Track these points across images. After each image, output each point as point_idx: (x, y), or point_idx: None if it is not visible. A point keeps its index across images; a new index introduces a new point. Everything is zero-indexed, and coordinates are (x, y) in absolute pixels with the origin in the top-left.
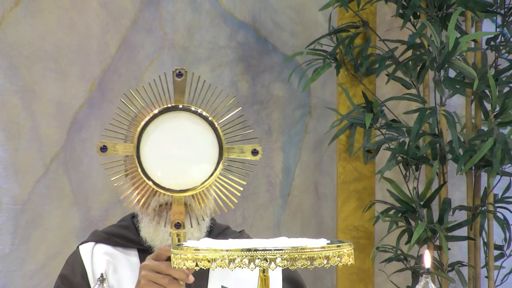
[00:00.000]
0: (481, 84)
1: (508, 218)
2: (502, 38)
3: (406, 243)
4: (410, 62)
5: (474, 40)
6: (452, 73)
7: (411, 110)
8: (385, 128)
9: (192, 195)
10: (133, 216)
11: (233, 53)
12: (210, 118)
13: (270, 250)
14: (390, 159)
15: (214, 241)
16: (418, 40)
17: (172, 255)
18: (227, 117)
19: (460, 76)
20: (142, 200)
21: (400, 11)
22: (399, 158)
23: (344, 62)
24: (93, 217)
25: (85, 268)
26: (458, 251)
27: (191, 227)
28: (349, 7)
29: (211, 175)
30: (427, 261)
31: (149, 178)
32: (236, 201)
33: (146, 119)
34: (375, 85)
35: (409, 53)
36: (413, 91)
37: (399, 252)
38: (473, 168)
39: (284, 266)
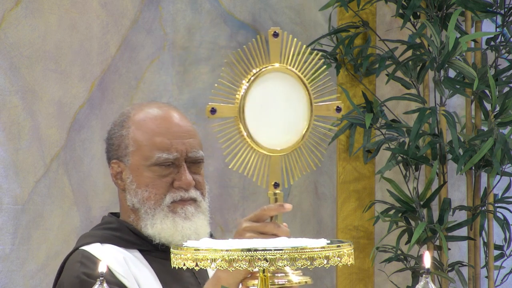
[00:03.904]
0: (481, 84)
1: (508, 218)
2: (502, 38)
3: (406, 243)
4: (410, 62)
5: (474, 40)
6: (452, 73)
7: (411, 110)
8: (385, 128)
9: (287, 154)
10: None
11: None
12: (302, 77)
13: (270, 250)
14: (390, 159)
15: (214, 241)
16: (418, 40)
17: (171, 255)
18: (314, 75)
19: (460, 76)
20: (244, 163)
21: (400, 11)
22: (399, 158)
23: (344, 62)
24: (94, 217)
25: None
26: (458, 251)
27: (286, 186)
28: (349, 7)
29: (305, 133)
30: (427, 262)
31: (251, 139)
32: (322, 158)
33: (247, 80)
34: (375, 85)
35: (409, 53)
36: (413, 91)
37: (399, 252)
38: (473, 168)
39: (284, 266)
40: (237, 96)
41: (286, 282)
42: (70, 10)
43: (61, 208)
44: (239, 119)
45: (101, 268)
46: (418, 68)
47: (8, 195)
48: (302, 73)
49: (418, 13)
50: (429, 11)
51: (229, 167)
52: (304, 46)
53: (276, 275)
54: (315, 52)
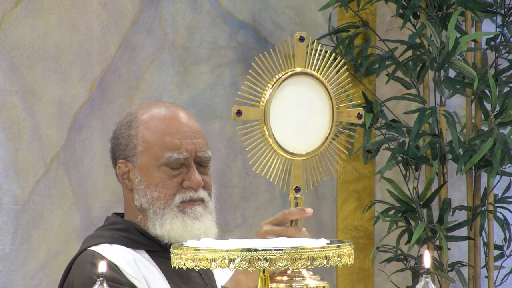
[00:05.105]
0: (481, 84)
1: (508, 218)
2: (502, 38)
3: (406, 243)
4: (410, 62)
5: (474, 40)
6: (452, 73)
7: (411, 110)
8: (385, 128)
9: (309, 159)
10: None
11: (233, 53)
12: (326, 83)
13: (270, 250)
14: (390, 159)
15: (214, 241)
16: (418, 40)
17: (171, 255)
18: (337, 80)
19: (460, 76)
20: (267, 166)
21: (400, 11)
22: (399, 158)
23: (344, 62)
24: (94, 217)
25: (116, 265)
26: (458, 251)
27: (306, 191)
28: (349, 7)
29: (327, 138)
30: (427, 261)
31: (274, 142)
32: (342, 165)
33: (272, 84)
34: (375, 85)
35: (409, 53)
36: (413, 91)
37: (399, 252)
38: (473, 168)
39: (284, 266)
40: (262, 99)
41: (304, 287)
42: (70, 10)
43: (61, 208)
44: (263, 122)
45: (101, 268)
46: (418, 68)
47: (8, 195)
48: (325, 79)
49: (418, 13)
50: (429, 11)
51: (252, 169)
52: (328, 52)
53: (294, 279)
54: (339, 58)
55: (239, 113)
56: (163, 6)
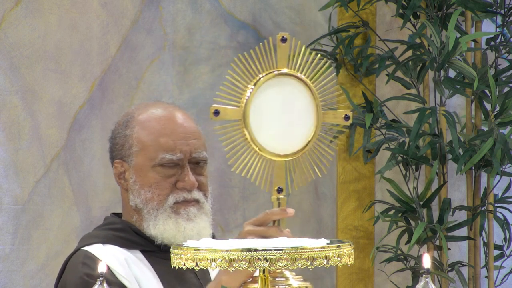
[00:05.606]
0: (481, 84)
1: (508, 218)
2: (502, 38)
3: (406, 243)
4: (410, 62)
5: (474, 40)
6: (452, 73)
7: (411, 110)
8: (385, 128)
9: (292, 160)
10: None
11: (234, 54)
12: (309, 83)
13: (270, 250)
14: (390, 159)
15: (214, 241)
16: (418, 40)
17: (172, 255)
18: (323, 82)
19: (460, 76)
20: (247, 167)
21: (400, 11)
22: (399, 158)
23: (344, 62)
24: (94, 217)
25: (107, 265)
26: (458, 251)
27: (290, 192)
28: (349, 7)
29: (310, 139)
30: (427, 263)
31: (254, 143)
32: (328, 165)
33: (253, 84)
34: (375, 85)
35: (409, 53)
36: (413, 91)
37: (399, 252)
38: (473, 168)
39: (284, 266)
40: (241, 99)
41: (286, 287)
42: (70, 10)
43: (61, 208)
44: (243, 123)
45: (101, 268)
46: (418, 68)
47: (8, 195)
48: (310, 80)
49: (418, 13)
50: (429, 11)
51: (232, 170)
52: (314, 52)
53: (276, 279)
54: (325, 59)
55: (216, 113)
56: (163, 6)
